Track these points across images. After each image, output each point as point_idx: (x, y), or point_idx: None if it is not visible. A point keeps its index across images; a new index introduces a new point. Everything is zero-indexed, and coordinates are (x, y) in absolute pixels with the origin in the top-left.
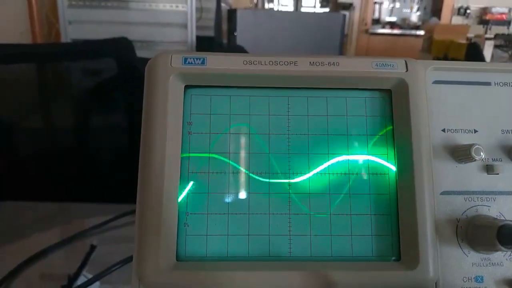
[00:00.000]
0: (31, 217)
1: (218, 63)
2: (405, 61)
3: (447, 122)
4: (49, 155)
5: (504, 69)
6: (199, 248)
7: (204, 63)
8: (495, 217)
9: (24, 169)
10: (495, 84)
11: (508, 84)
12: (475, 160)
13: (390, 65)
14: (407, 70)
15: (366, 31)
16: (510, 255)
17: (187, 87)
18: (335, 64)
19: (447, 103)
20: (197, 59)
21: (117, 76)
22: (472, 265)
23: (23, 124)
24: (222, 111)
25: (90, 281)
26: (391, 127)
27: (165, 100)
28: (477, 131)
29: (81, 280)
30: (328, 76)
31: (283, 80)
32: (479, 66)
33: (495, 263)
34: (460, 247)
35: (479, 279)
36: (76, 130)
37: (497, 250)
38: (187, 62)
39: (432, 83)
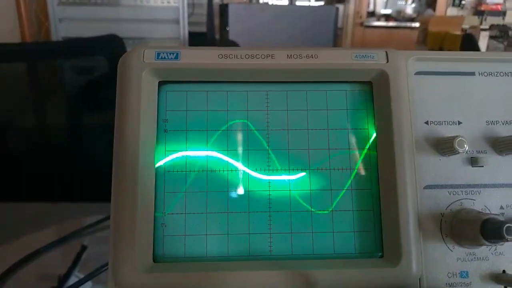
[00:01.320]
0: (23, 218)
1: (192, 57)
2: (386, 52)
3: (430, 114)
4: (40, 154)
5: (488, 58)
6: (177, 249)
7: (177, 58)
8: (480, 210)
9: (15, 169)
10: (479, 74)
11: (492, 74)
12: (458, 153)
13: (370, 56)
14: (387, 61)
15: (361, 24)
16: (495, 250)
17: (161, 83)
18: (313, 56)
19: (430, 94)
20: (170, 53)
21: (107, 74)
22: (457, 260)
23: (14, 123)
24: (199, 107)
25: (81, 281)
26: (373, 120)
27: (138, 97)
28: (461, 123)
29: (72, 280)
30: (306, 69)
31: (261, 74)
32: (462, 56)
33: (480, 257)
34: (445, 242)
35: (464, 274)
36: (67, 129)
37: (481, 245)
38: (160, 57)
39: (415, 74)
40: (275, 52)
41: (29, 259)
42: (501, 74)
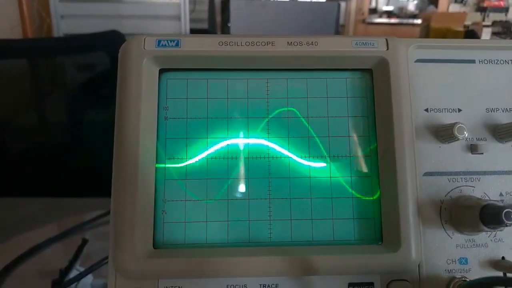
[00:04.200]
0: (24, 213)
1: (193, 44)
2: (386, 39)
3: (430, 101)
4: (41, 150)
5: (489, 46)
6: (177, 235)
7: (178, 45)
8: (479, 197)
9: (17, 165)
10: (479, 61)
11: (492, 62)
12: (458, 140)
13: (370, 43)
14: (387, 49)
15: (363, 21)
16: (494, 236)
17: (162, 70)
18: (313, 43)
19: (431, 82)
20: (171, 41)
21: (109, 70)
22: (456, 246)
23: (15, 119)
24: (200, 95)
25: (82, 275)
26: (373, 107)
27: (139, 84)
28: (461, 110)
29: (74, 273)
30: (307, 56)
31: (261, 61)
32: (462, 44)
33: (479, 244)
34: (444, 228)
35: (463, 260)
36: (68, 125)
37: (480, 231)
38: (160, 45)
39: (415, 61)
40: (276, 39)
41: (31, 254)
42: (501, 61)
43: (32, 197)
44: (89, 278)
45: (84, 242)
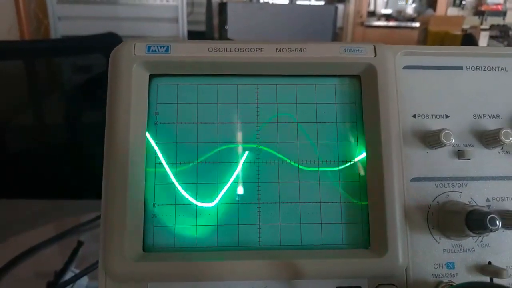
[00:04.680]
0: (20, 215)
1: (183, 50)
2: (374, 46)
3: (418, 107)
4: (37, 152)
5: (476, 53)
6: (167, 239)
7: (168, 51)
8: (466, 203)
9: (13, 167)
10: (467, 68)
11: (480, 68)
12: (445, 145)
13: (358, 50)
14: (375, 55)
15: (362, 24)
16: (481, 241)
17: (152, 76)
18: (302, 50)
19: (418, 88)
20: (161, 47)
21: (105, 71)
22: (443, 251)
23: (12, 121)
24: (189, 100)
25: (77, 277)
26: (361, 113)
27: (129, 89)
28: (448, 116)
29: (69, 275)
30: (295, 63)
31: (250, 67)
32: (450, 50)
33: (466, 249)
34: (431, 233)
35: (450, 265)
36: (65, 126)
37: (467, 236)
38: (150, 50)
39: (403, 68)
40: (264, 45)
41: (26, 255)
42: (489, 68)
43: (28, 198)
44: (84, 280)
45: (80, 244)
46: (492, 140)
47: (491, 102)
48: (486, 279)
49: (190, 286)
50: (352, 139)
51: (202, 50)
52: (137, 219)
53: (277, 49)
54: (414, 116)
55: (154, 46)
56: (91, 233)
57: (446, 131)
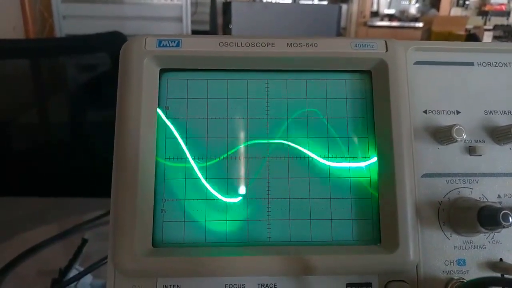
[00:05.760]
0: (25, 213)
1: (193, 45)
2: (385, 41)
3: (429, 103)
4: (42, 150)
5: (487, 49)
6: (176, 234)
7: (179, 46)
8: (477, 199)
9: (18, 165)
10: (478, 64)
11: (491, 64)
12: (456, 141)
13: (369, 45)
14: (386, 51)
15: (365, 24)
16: (492, 238)
17: (162, 71)
18: (313, 45)
19: (429, 84)
20: (171, 41)
21: (110, 71)
22: (454, 248)
23: (17, 119)
24: (200, 95)
25: (81, 274)
26: (372, 109)
27: (139, 84)
28: (459, 112)
29: (73, 273)
30: (306, 57)
31: (261, 62)
32: (461, 46)
33: (477, 245)
34: (442, 230)
35: (461, 262)
36: (69, 125)
37: (478, 232)
38: (161, 45)
39: (414, 63)
40: (275, 40)
41: (31, 253)
42: (500, 64)
43: (32, 196)
44: (88, 278)
45: (84, 242)
46: (504, 136)
47: (502, 98)
48: (498, 276)
49: (199, 281)
50: (362, 135)
51: (213, 45)
52: (147, 214)
53: (288, 43)
54: (425, 111)
55: (165, 41)
56: (95, 231)
57: (458, 126)
